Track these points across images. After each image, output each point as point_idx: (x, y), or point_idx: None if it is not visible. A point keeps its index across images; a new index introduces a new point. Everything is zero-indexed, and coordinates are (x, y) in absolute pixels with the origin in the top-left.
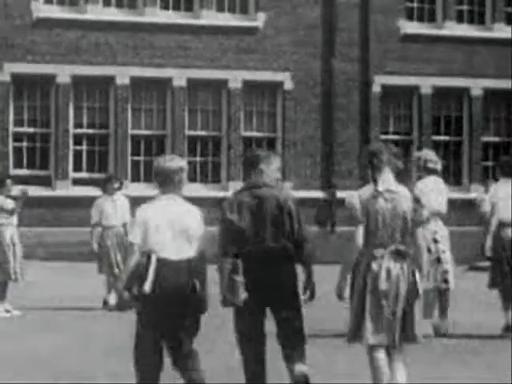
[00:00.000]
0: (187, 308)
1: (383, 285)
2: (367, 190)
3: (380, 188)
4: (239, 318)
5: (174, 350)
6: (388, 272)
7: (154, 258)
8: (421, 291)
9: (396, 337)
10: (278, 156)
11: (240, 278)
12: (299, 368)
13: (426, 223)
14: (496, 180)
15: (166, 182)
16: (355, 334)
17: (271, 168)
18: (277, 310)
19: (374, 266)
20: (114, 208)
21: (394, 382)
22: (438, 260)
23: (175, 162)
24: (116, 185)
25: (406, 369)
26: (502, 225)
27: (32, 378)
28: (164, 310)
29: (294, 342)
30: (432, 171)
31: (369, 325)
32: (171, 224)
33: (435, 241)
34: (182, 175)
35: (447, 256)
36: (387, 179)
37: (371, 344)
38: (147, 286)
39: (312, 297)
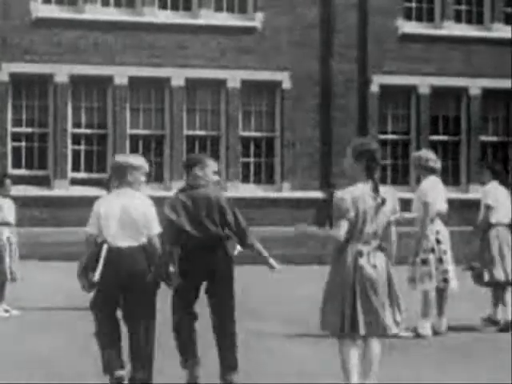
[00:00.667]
0: (138, 290)
1: (373, 278)
2: (357, 189)
3: (371, 188)
4: (176, 298)
5: (130, 333)
6: (374, 267)
7: (105, 247)
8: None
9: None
10: (212, 160)
11: (175, 268)
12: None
13: (429, 223)
14: (482, 183)
15: (121, 176)
16: (340, 325)
17: (206, 171)
18: (211, 294)
19: (362, 261)
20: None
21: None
22: (440, 260)
23: (131, 159)
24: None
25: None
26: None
27: (31, 378)
28: (116, 293)
29: (223, 329)
30: (433, 170)
31: (361, 316)
32: (119, 215)
33: (438, 241)
34: (135, 173)
35: (448, 256)
36: (376, 179)
37: (363, 335)
38: (96, 276)
39: (273, 266)
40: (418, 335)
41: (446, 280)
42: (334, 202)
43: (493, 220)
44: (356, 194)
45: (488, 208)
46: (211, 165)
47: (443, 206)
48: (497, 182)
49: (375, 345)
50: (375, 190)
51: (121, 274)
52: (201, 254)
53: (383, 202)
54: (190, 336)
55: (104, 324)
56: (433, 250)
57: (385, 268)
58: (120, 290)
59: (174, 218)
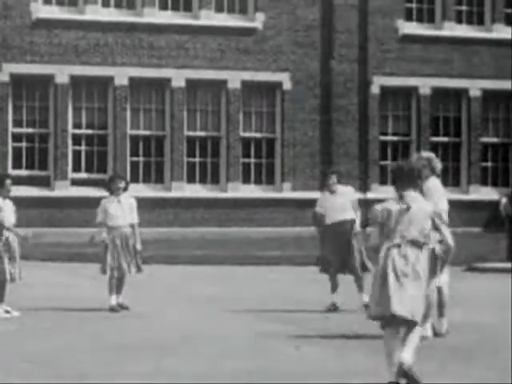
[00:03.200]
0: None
1: (401, 266)
2: (392, 205)
3: (408, 201)
4: None
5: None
6: (405, 256)
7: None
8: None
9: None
10: None
11: None
12: None
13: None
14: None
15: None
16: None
17: None
18: None
19: (394, 251)
20: (118, 208)
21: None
22: None
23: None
24: (121, 184)
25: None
26: None
27: (32, 379)
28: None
29: None
30: (436, 172)
31: (394, 298)
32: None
33: (440, 242)
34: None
35: None
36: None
37: (397, 314)
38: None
39: None
40: None
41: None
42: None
43: None
44: (392, 208)
45: None
46: None
47: (446, 207)
48: None
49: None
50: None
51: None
52: None
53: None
54: None
55: None
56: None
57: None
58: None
59: None
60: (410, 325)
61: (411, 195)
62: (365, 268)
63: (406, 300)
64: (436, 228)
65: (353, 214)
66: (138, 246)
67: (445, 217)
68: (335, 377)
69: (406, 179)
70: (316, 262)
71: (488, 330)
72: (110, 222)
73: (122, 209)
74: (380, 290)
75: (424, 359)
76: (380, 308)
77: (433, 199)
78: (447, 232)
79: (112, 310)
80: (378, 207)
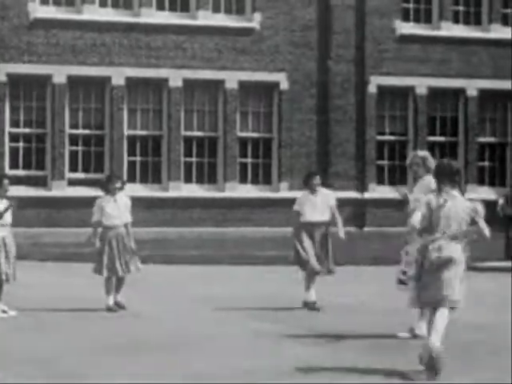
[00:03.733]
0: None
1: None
2: (433, 197)
3: (445, 197)
4: None
5: None
6: (439, 248)
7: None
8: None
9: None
10: None
11: None
12: None
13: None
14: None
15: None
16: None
17: None
18: None
19: (431, 246)
20: (115, 208)
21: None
22: None
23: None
24: (117, 184)
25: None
26: None
27: (29, 379)
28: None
29: None
30: (431, 171)
31: (445, 284)
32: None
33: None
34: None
35: None
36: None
37: (449, 298)
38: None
39: None
40: (414, 336)
41: None
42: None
43: None
44: (432, 201)
45: None
46: None
47: None
48: None
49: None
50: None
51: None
52: None
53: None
54: None
55: None
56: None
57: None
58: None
59: None
60: (452, 307)
61: (450, 192)
62: (330, 271)
63: (454, 285)
64: (473, 222)
65: (328, 217)
66: (133, 245)
67: (481, 210)
68: (329, 375)
69: (446, 177)
70: (294, 260)
71: (487, 329)
72: (106, 222)
73: (118, 208)
74: (428, 279)
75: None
76: (432, 292)
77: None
78: (484, 225)
79: (109, 309)
80: (424, 199)
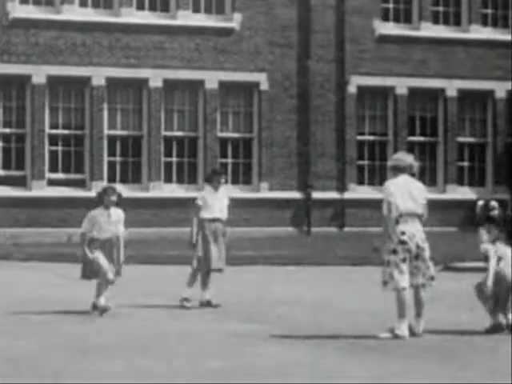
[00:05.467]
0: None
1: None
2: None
3: None
4: None
5: None
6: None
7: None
8: None
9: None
10: None
11: None
12: None
13: (393, 224)
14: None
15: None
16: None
17: None
18: None
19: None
20: (108, 222)
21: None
22: (404, 260)
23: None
24: (113, 198)
25: None
26: None
27: (11, 379)
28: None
29: None
30: (401, 170)
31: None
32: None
33: (402, 242)
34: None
35: (424, 256)
36: None
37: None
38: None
39: None
40: (395, 336)
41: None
42: None
43: None
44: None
45: None
46: None
47: (412, 207)
48: None
49: None
50: None
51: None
52: None
53: None
54: None
55: None
56: (395, 251)
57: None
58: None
59: None
60: None
61: None
62: (219, 269)
63: None
64: None
65: (225, 215)
66: (122, 257)
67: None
68: (314, 376)
69: None
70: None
71: (465, 329)
72: (97, 235)
73: (110, 222)
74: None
75: (400, 359)
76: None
77: (388, 197)
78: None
79: (104, 309)
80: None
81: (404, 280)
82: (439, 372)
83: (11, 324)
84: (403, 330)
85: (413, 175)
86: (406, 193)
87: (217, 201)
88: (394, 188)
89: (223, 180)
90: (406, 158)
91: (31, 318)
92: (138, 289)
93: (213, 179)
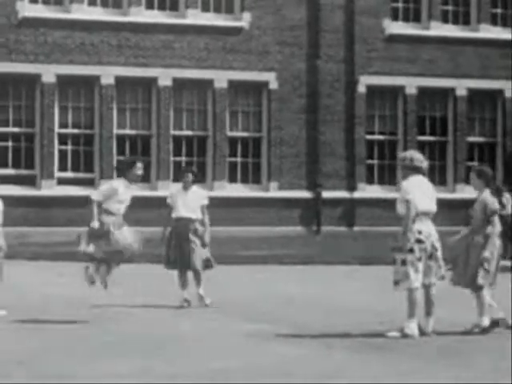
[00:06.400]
0: None
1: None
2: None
3: None
4: None
5: None
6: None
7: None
8: None
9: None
10: None
11: None
12: None
13: (411, 223)
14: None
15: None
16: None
17: None
18: None
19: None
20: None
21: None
22: (420, 259)
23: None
24: (190, 177)
25: None
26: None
27: (15, 379)
28: None
29: None
30: (418, 170)
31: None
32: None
33: (419, 241)
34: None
35: (436, 255)
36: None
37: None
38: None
39: None
40: (404, 335)
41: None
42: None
43: None
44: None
45: None
46: None
47: (428, 206)
48: None
49: None
50: None
51: None
52: None
53: None
54: None
55: None
56: (411, 250)
57: None
58: None
59: None
60: None
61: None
62: (209, 265)
63: None
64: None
65: (199, 215)
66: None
67: None
68: (321, 376)
69: None
70: (164, 259)
71: (475, 329)
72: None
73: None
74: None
75: (408, 358)
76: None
77: (407, 196)
78: None
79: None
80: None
81: (418, 280)
82: (445, 372)
83: (17, 323)
84: (413, 329)
85: (423, 175)
86: (422, 192)
87: (187, 200)
88: (412, 187)
89: (190, 178)
90: (423, 159)
91: (39, 316)
92: (147, 288)
93: (180, 177)
